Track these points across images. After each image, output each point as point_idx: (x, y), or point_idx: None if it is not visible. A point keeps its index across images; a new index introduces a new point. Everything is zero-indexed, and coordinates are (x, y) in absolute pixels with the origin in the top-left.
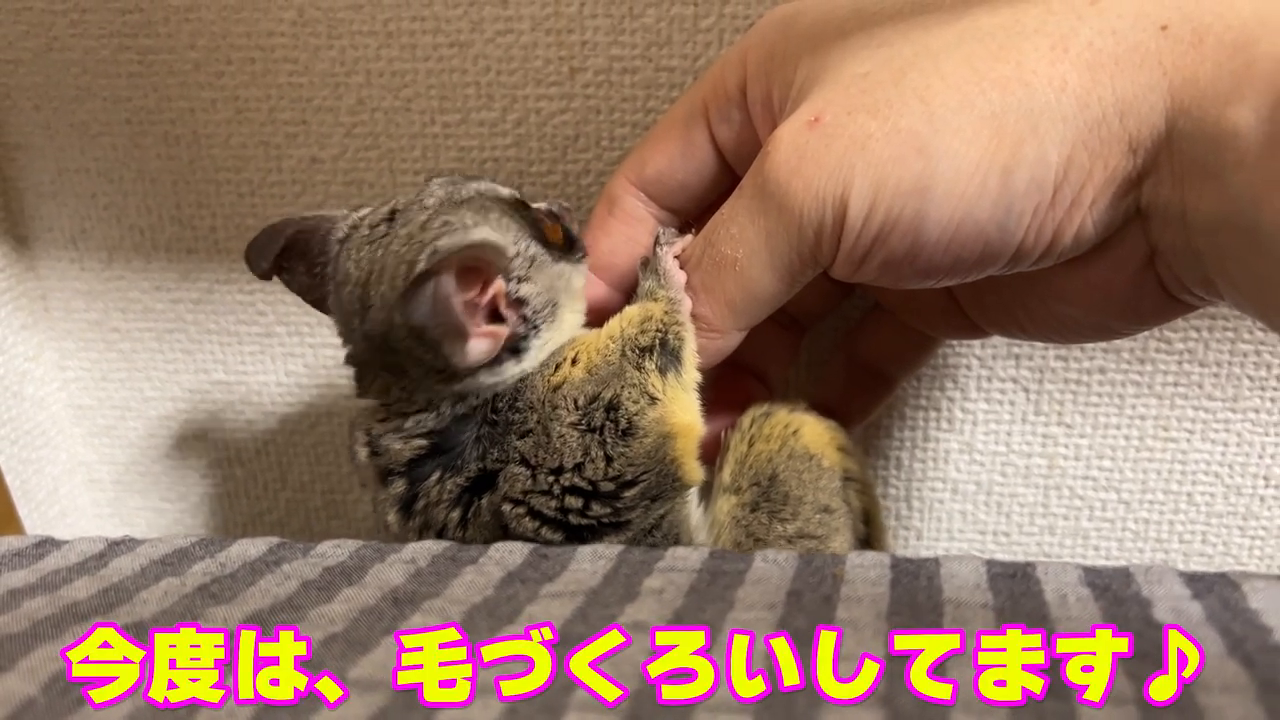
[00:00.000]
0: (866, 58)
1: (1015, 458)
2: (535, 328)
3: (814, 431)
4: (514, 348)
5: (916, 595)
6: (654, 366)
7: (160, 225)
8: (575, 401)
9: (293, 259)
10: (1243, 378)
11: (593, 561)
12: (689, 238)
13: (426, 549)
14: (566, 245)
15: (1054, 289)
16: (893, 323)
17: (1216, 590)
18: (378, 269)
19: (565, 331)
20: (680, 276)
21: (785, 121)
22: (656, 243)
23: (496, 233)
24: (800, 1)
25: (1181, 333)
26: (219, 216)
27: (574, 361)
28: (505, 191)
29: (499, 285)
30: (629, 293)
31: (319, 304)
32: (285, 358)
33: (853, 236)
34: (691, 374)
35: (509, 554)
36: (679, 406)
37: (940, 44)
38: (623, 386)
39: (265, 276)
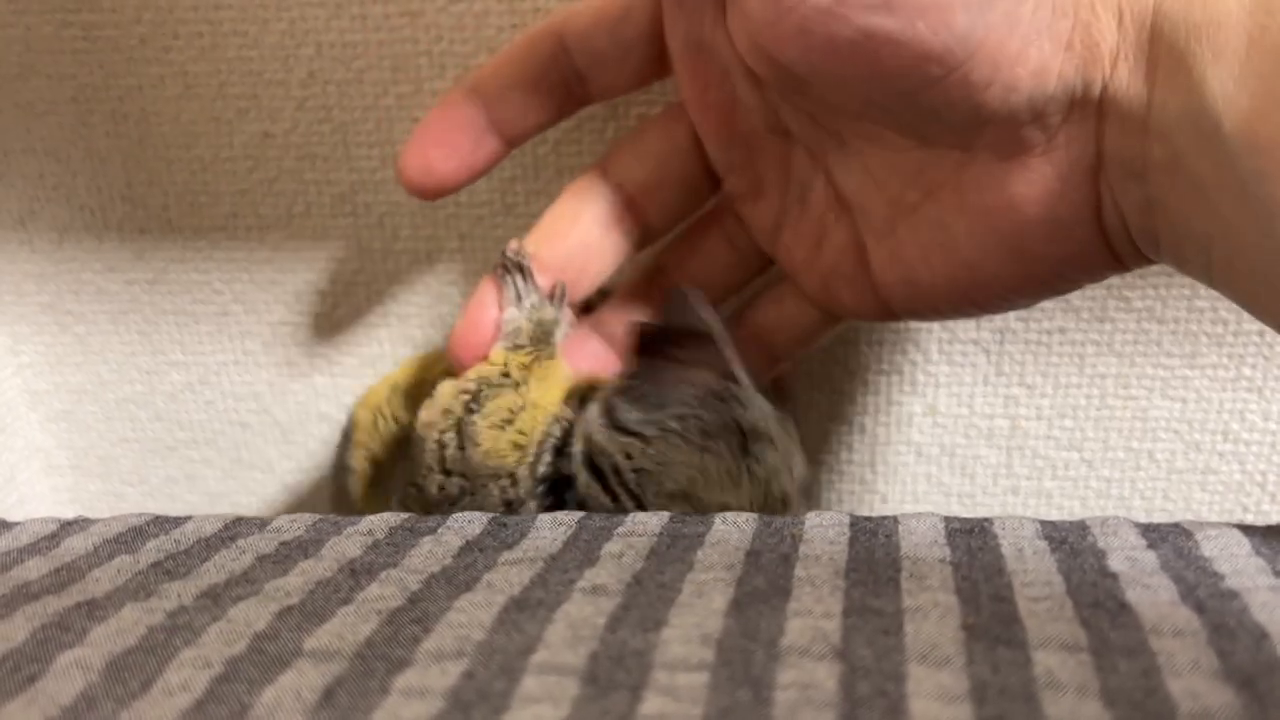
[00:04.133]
0: None
1: (978, 420)
2: None
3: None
4: None
5: (874, 552)
6: None
7: (111, 205)
8: None
9: None
10: (1200, 335)
11: (552, 529)
12: None
13: (385, 521)
14: None
15: (986, 197)
16: (793, 296)
17: (1170, 540)
18: None
19: None
20: None
21: None
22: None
23: None
24: None
25: (1139, 291)
26: (170, 195)
27: None
28: None
29: None
30: None
31: None
32: (242, 336)
33: None
34: None
35: (468, 524)
36: None
37: None
38: None
39: None
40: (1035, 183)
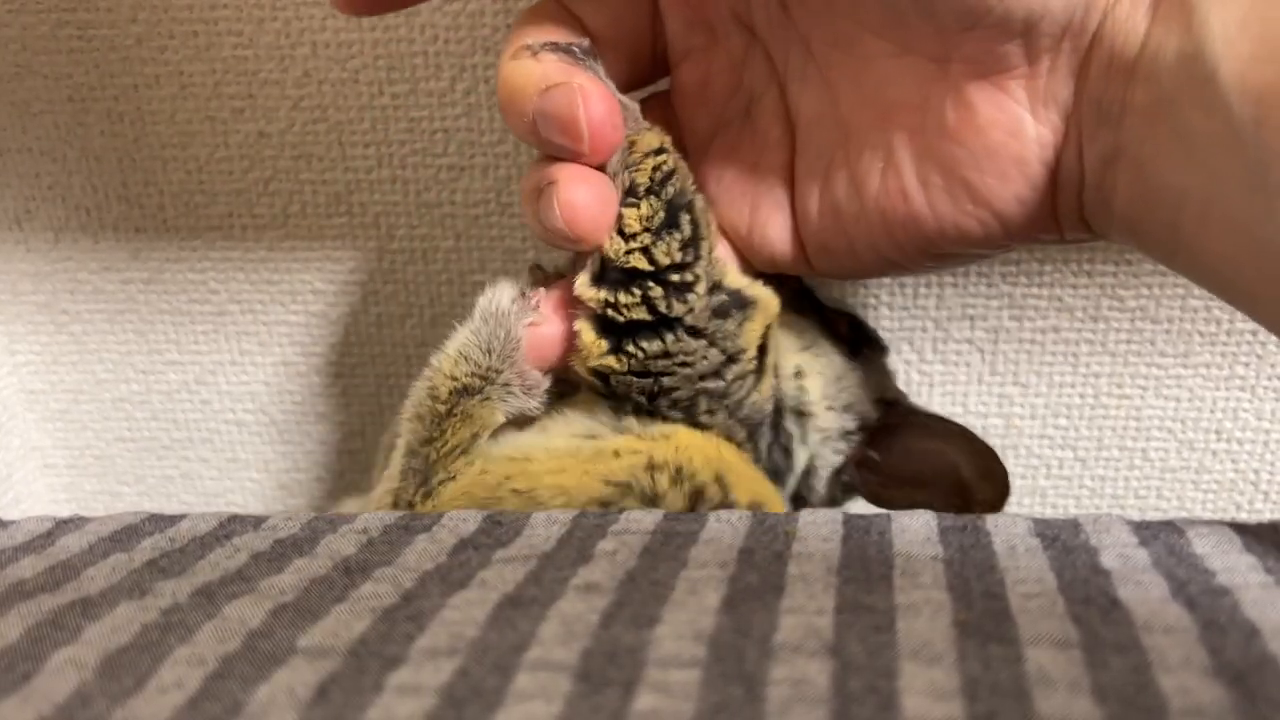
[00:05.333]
0: None
1: (972, 419)
2: None
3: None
4: None
5: (868, 550)
6: None
7: (107, 204)
8: None
9: None
10: (1194, 334)
11: (547, 527)
12: None
13: (379, 519)
14: None
15: (946, 117)
16: None
17: (1162, 537)
18: None
19: None
20: None
21: None
22: None
23: None
24: None
25: (1133, 290)
26: (166, 194)
27: None
28: None
29: None
30: None
31: None
32: (239, 336)
33: None
34: None
35: (462, 522)
36: None
37: None
38: None
39: None
40: (1004, 108)
